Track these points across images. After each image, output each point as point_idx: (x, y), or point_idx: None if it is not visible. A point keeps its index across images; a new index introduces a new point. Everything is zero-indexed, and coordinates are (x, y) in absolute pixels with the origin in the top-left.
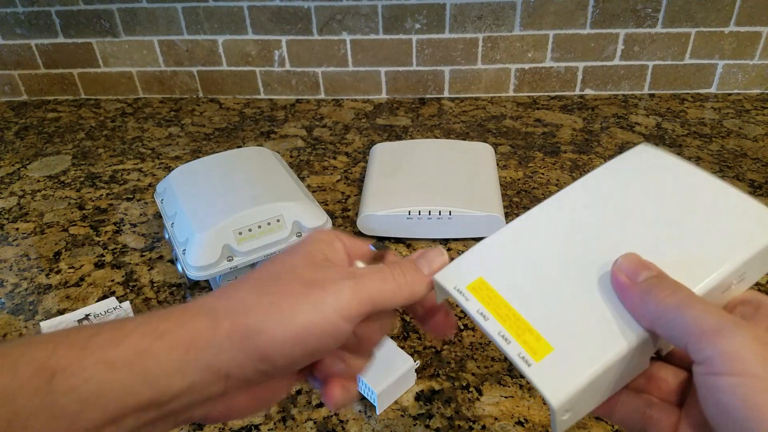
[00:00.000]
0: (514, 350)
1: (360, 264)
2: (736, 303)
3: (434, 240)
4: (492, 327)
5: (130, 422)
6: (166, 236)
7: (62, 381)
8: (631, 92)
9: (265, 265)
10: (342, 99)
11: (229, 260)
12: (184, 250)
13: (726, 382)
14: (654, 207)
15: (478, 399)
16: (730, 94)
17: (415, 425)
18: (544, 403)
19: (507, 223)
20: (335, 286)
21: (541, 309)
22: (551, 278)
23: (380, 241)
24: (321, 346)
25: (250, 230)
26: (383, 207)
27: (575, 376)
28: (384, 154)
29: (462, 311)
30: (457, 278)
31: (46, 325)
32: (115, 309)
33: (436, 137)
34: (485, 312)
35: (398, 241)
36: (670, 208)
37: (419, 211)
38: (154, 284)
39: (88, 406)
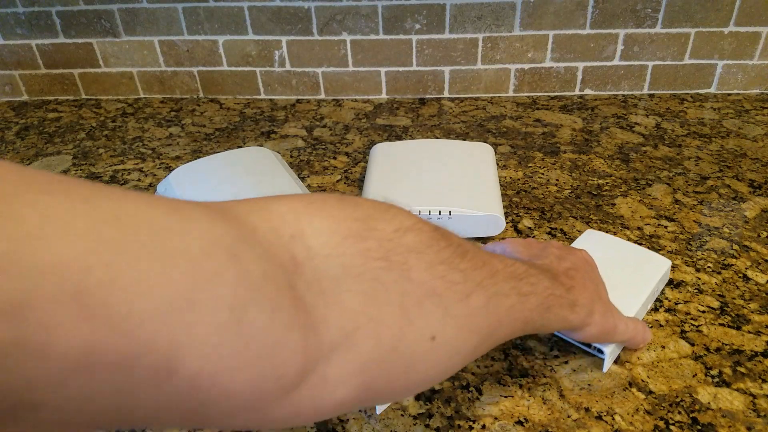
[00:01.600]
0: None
1: None
2: None
3: None
4: None
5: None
6: None
7: (549, 313)
8: (630, 92)
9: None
10: (342, 99)
11: None
12: None
13: None
14: (604, 268)
15: (478, 398)
16: (729, 94)
17: (415, 425)
18: (543, 402)
19: (506, 222)
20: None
21: None
22: None
23: None
24: None
25: None
26: None
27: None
28: (384, 154)
29: None
30: None
31: None
32: None
33: (436, 137)
34: None
35: None
36: (617, 265)
37: (419, 211)
38: None
39: (550, 325)
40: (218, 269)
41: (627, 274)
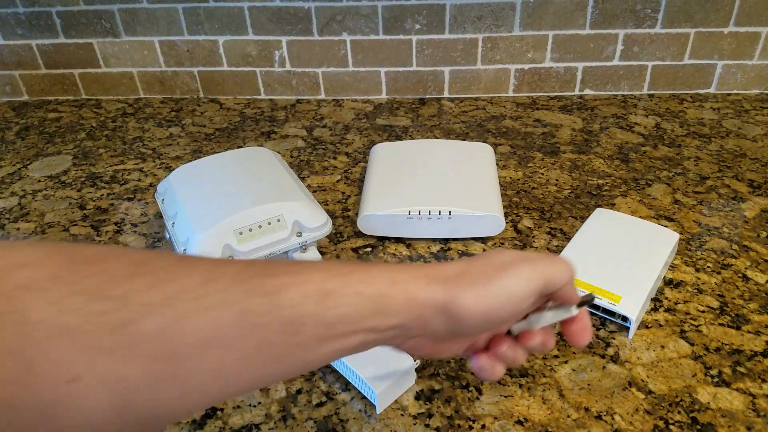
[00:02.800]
0: (604, 303)
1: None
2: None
3: (434, 240)
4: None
5: (359, 338)
6: (167, 236)
7: (331, 300)
8: (630, 92)
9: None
10: (342, 99)
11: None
12: (185, 249)
13: None
14: (619, 243)
15: (477, 398)
16: (729, 95)
17: (414, 424)
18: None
19: (506, 222)
20: (516, 267)
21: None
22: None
23: (380, 240)
24: (504, 316)
25: (250, 230)
26: (383, 207)
27: (636, 305)
28: (384, 154)
29: None
30: None
31: None
32: None
33: (436, 137)
34: (580, 290)
35: (398, 240)
36: (629, 241)
37: (419, 211)
38: None
39: (341, 320)
40: None
41: (639, 248)
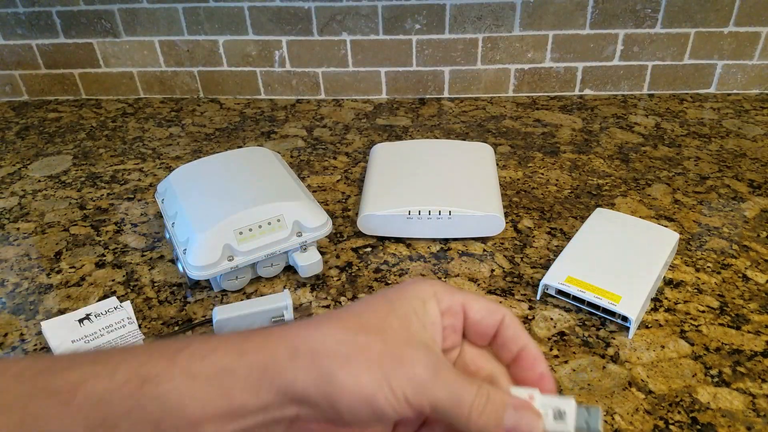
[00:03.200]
0: (604, 303)
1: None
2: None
3: (434, 240)
4: (587, 296)
5: (210, 430)
6: (167, 236)
7: (151, 388)
8: (630, 92)
9: (363, 303)
10: (342, 99)
11: (230, 260)
12: (185, 249)
13: None
14: (619, 243)
15: None
16: (729, 94)
17: None
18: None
19: (506, 222)
20: (413, 370)
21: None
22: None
23: (380, 240)
24: (384, 415)
25: (250, 230)
26: (383, 207)
27: (636, 305)
28: (384, 154)
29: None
30: (557, 278)
31: (47, 325)
32: (116, 309)
33: (436, 137)
34: (580, 290)
35: (398, 240)
36: (629, 241)
37: (419, 211)
38: (155, 284)
39: (169, 412)
40: None
41: (639, 248)
